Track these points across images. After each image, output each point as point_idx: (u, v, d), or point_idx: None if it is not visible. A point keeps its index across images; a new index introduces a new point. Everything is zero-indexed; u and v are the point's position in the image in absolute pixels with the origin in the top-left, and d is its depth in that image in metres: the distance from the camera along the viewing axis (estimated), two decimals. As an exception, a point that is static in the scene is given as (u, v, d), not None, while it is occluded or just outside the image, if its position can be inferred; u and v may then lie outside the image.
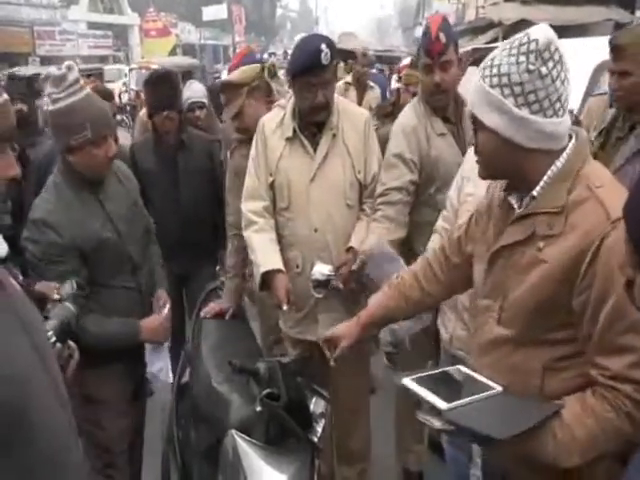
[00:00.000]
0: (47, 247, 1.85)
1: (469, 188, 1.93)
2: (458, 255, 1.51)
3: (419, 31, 33.15)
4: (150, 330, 2.05)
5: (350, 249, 2.16)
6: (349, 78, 5.45)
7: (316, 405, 1.72)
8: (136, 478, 2.28)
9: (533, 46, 1.13)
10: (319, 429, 1.70)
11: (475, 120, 1.23)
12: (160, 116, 2.85)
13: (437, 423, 1.17)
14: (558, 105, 1.16)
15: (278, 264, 2.15)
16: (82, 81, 1.87)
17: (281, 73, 8.82)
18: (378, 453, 2.59)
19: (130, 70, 17.21)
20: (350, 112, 2.24)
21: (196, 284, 2.93)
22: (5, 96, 0.92)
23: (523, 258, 1.20)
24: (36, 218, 1.87)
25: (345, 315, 2.21)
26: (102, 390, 2.01)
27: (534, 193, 1.21)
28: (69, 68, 1.79)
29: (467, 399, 1.19)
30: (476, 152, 1.27)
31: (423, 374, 1.30)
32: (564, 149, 1.20)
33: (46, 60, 19.87)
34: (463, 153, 2.16)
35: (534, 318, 1.18)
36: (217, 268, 3.23)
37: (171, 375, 2.21)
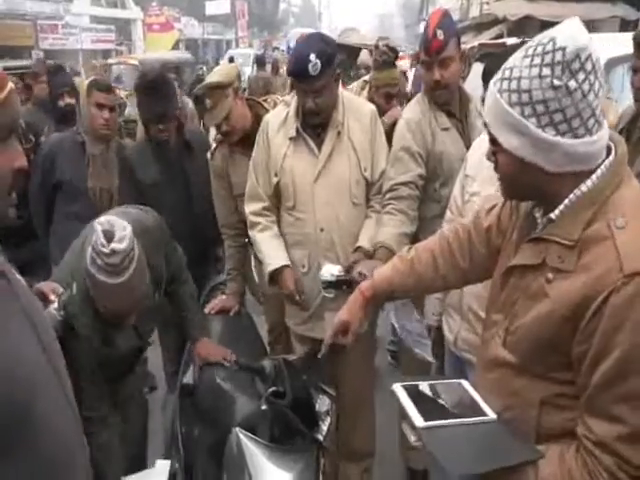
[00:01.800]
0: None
1: (474, 187, 1.90)
2: (486, 246, 1.34)
3: (422, 27, 32.97)
4: None
5: (359, 248, 2.14)
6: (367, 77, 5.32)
7: (321, 403, 1.71)
8: None
9: (559, 56, 0.95)
10: (324, 427, 1.69)
11: (493, 140, 1.09)
12: (154, 128, 2.61)
13: (412, 438, 1.11)
14: (592, 122, 0.99)
15: (284, 260, 2.16)
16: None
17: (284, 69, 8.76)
18: (382, 450, 2.58)
19: (95, 67, 15.45)
20: (355, 107, 2.20)
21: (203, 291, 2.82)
22: (11, 85, 0.90)
23: (533, 283, 1.09)
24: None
25: None
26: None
27: (552, 216, 1.07)
28: (123, 252, 1.55)
29: (450, 421, 1.12)
30: (496, 170, 1.13)
31: (420, 382, 1.23)
32: (598, 167, 1.04)
33: (49, 54, 19.84)
34: (467, 148, 2.14)
35: (535, 352, 1.09)
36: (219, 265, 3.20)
37: None
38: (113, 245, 1.53)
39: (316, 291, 2.13)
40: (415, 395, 1.18)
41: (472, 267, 1.38)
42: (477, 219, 1.37)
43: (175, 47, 23.18)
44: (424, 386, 1.22)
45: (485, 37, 11.40)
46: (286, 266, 2.16)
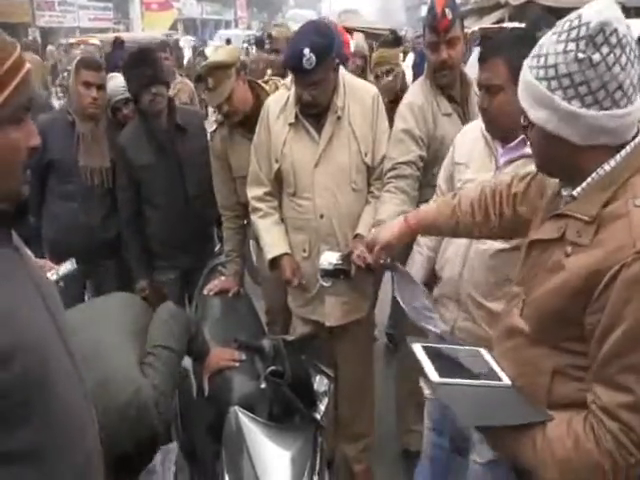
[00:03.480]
0: None
1: (467, 174, 1.89)
2: (512, 209, 1.46)
3: (424, 10, 32.56)
4: None
5: (357, 235, 2.14)
6: None
7: (320, 383, 1.73)
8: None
9: (583, 31, 1.00)
10: (322, 407, 1.71)
11: (525, 115, 1.14)
12: (148, 93, 2.55)
13: (427, 391, 1.19)
14: (619, 94, 1.02)
15: (284, 248, 2.18)
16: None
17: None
18: (378, 434, 2.62)
19: (59, 46, 14.53)
20: (356, 90, 2.18)
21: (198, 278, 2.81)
22: (28, 65, 0.91)
23: (552, 258, 1.15)
24: None
25: (351, 297, 2.23)
26: None
27: (574, 193, 1.12)
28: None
29: (465, 380, 1.17)
30: (530, 145, 1.20)
31: (441, 345, 1.30)
32: (627, 144, 1.07)
33: (45, 31, 19.58)
34: None
35: (548, 323, 1.14)
36: (217, 247, 3.20)
37: None
38: None
39: (316, 276, 2.14)
40: (432, 354, 1.23)
41: (499, 224, 1.51)
42: (509, 183, 1.50)
43: (173, 27, 22.92)
44: (447, 349, 1.29)
45: (486, 22, 11.31)
46: (286, 254, 2.17)
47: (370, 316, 2.45)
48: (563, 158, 1.11)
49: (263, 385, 1.66)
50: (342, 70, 2.22)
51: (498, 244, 1.79)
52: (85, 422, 1.01)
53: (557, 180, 1.24)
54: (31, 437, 0.87)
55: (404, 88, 3.21)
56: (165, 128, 2.68)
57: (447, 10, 2.11)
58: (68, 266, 1.72)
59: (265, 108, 2.22)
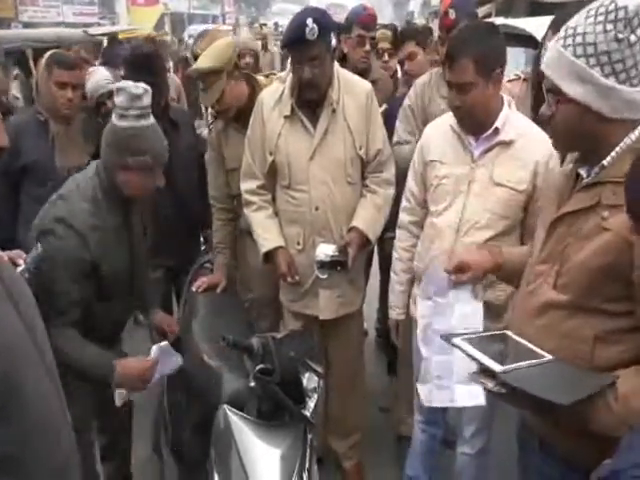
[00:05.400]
0: (72, 255, 1.73)
1: (443, 170, 1.92)
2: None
3: (411, 5, 32.61)
4: (125, 376, 1.77)
5: (353, 228, 2.15)
6: None
7: (309, 380, 1.72)
8: (126, 455, 2.29)
9: (622, 14, 1.11)
10: (312, 404, 1.70)
11: (556, 90, 1.20)
12: None
13: (490, 384, 1.17)
14: None
15: (278, 241, 2.18)
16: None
17: (272, 45, 8.59)
18: (369, 425, 2.65)
19: None
20: (351, 85, 2.19)
21: (184, 270, 2.79)
22: None
23: (586, 225, 1.20)
24: (73, 224, 1.74)
25: (346, 290, 2.23)
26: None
27: (604, 162, 1.20)
28: (146, 91, 1.77)
29: (521, 363, 1.18)
30: (554, 125, 1.25)
31: (472, 335, 1.30)
32: None
33: (29, 27, 19.28)
34: None
35: (592, 285, 1.18)
36: (203, 247, 3.18)
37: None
38: (136, 91, 1.75)
39: (310, 269, 2.14)
40: (476, 345, 1.23)
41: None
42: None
43: (160, 22, 22.71)
44: (478, 337, 1.30)
45: (474, 16, 11.33)
46: (280, 247, 2.17)
47: (360, 310, 2.45)
48: (591, 132, 1.19)
49: (252, 383, 1.65)
50: (336, 65, 2.22)
51: (483, 235, 1.81)
52: (60, 424, 1.00)
53: (567, 165, 1.31)
54: (7, 442, 0.86)
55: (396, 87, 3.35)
56: (159, 123, 2.64)
57: (450, 10, 2.32)
58: (33, 253, 1.69)
59: (259, 101, 2.23)
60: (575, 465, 1.24)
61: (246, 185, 2.27)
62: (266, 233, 2.20)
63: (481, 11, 11.91)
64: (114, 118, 1.80)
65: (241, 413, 1.69)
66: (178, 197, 2.68)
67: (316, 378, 1.74)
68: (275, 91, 2.19)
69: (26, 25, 19.21)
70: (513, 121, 1.84)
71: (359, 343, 2.50)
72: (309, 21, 1.96)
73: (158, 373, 1.82)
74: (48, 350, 1.02)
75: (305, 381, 1.70)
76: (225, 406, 1.70)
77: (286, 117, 2.13)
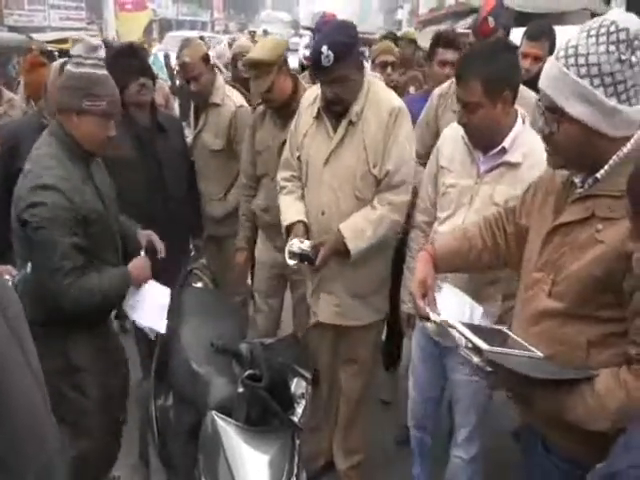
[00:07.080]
0: (60, 210, 1.84)
1: (450, 179, 1.94)
2: (511, 224, 1.56)
3: (400, 13, 32.82)
4: (137, 270, 2.08)
5: (337, 230, 2.14)
6: None
7: (297, 386, 1.72)
8: (113, 454, 2.28)
9: (623, 35, 1.14)
10: (300, 410, 1.71)
11: (557, 110, 1.22)
12: (135, 84, 2.58)
13: (475, 359, 1.24)
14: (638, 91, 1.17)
15: (299, 216, 2.23)
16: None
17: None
18: (374, 429, 2.70)
19: None
20: (377, 101, 2.13)
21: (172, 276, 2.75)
22: None
23: (580, 237, 1.24)
24: (47, 183, 1.84)
25: (346, 301, 2.24)
26: (82, 358, 2.04)
27: (598, 176, 1.23)
28: (100, 45, 1.87)
29: (509, 350, 1.25)
30: (553, 142, 1.26)
31: (472, 324, 1.37)
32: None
33: (14, 31, 19.11)
34: None
35: (586, 294, 1.22)
36: (192, 253, 3.18)
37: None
38: (93, 42, 1.86)
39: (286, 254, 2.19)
40: (473, 329, 1.30)
41: (506, 243, 1.58)
42: (504, 208, 1.63)
43: (149, 28, 22.65)
44: (475, 326, 1.38)
45: (461, 26, 11.45)
46: (300, 221, 2.22)
47: (373, 330, 2.39)
48: (590, 149, 1.21)
49: (240, 389, 1.66)
50: (371, 78, 2.22)
51: None
52: (45, 426, 1.01)
53: (562, 172, 1.33)
54: None
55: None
56: (147, 125, 2.71)
57: (490, 18, 2.28)
58: (22, 273, 1.73)
59: (303, 99, 2.33)
60: (577, 463, 1.27)
61: (282, 174, 2.34)
62: (290, 209, 2.25)
63: (467, 22, 12.11)
64: (70, 66, 1.91)
65: (229, 419, 1.69)
66: (168, 198, 2.71)
67: (304, 384, 1.74)
68: (312, 93, 2.27)
69: (11, 29, 19.06)
70: (522, 140, 1.81)
71: (369, 358, 2.41)
72: (324, 49, 1.98)
73: (152, 305, 2.10)
74: (35, 357, 1.04)
75: (293, 387, 1.71)
76: (213, 412, 1.70)
77: (314, 118, 2.21)
